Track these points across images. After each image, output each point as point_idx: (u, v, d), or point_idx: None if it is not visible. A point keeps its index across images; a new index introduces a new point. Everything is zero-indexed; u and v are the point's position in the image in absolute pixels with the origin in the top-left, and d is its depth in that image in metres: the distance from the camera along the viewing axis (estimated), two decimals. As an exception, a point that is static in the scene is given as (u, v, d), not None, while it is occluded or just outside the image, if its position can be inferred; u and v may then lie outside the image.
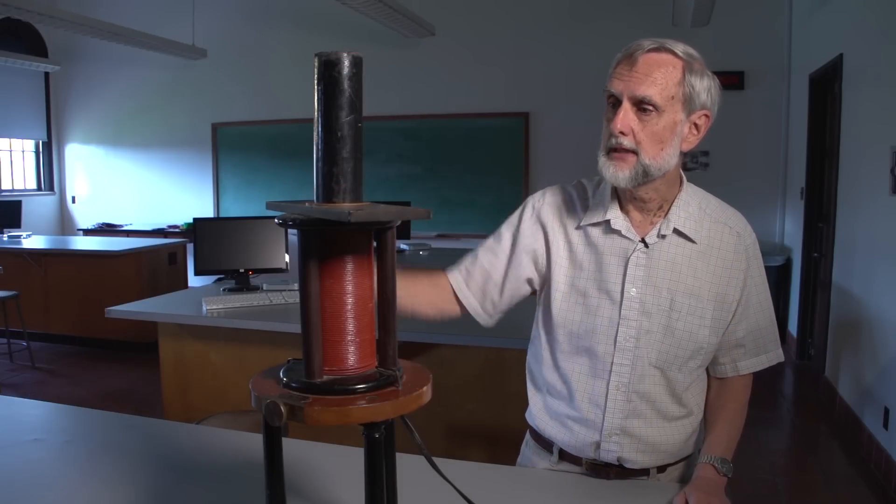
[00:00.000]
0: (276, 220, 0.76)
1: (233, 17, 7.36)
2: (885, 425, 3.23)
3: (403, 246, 5.31)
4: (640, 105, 1.13)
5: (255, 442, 1.44)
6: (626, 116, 1.14)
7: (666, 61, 1.13)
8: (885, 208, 3.41)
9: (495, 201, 6.73)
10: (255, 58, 7.36)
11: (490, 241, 1.38)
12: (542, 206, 1.35)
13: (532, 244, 1.33)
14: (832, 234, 4.43)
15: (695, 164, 6.19)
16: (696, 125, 1.19)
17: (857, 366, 3.78)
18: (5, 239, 6.13)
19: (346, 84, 0.70)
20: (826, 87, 4.84)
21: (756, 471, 3.36)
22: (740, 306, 1.26)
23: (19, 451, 1.40)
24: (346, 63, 0.70)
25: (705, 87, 1.16)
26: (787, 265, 5.76)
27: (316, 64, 0.71)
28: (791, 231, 5.82)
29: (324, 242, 0.72)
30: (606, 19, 6.18)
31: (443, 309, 1.38)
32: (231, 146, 7.65)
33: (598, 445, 1.28)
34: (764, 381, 5.10)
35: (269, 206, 0.80)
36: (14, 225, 6.65)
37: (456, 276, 1.38)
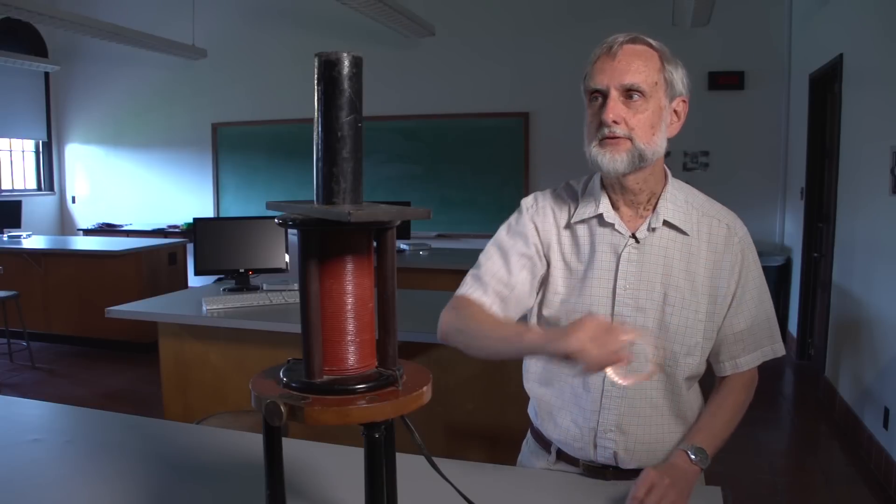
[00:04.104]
0: (276, 220, 0.76)
1: (233, 17, 7.36)
2: (885, 425, 3.23)
3: (403, 246, 5.30)
4: (628, 93, 1.16)
5: (255, 442, 1.44)
6: (617, 106, 1.16)
7: (644, 51, 1.18)
8: (885, 208, 3.41)
9: (495, 201, 6.73)
10: (255, 58, 7.36)
11: (491, 251, 1.33)
12: (536, 210, 1.34)
13: (528, 248, 1.31)
14: (832, 234, 4.43)
15: (695, 164, 6.19)
16: (675, 112, 1.23)
17: (857, 366, 3.78)
18: (5, 239, 6.13)
19: (346, 84, 0.70)
20: (826, 87, 4.84)
21: (756, 471, 3.36)
22: (736, 299, 1.26)
23: (19, 451, 1.40)
24: (346, 63, 0.70)
25: (680, 76, 1.22)
26: (787, 265, 5.75)
27: (316, 64, 0.71)
28: (791, 231, 5.82)
29: (324, 242, 0.72)
30: (606, 19, 6.17)
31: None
32: (231, 146, 7.65)
33: (594, 443, 1.28)
34: (764, 381, 5.06)
35: (269, 206, 0.80)
36: (14, 225, 6.64)
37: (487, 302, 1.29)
